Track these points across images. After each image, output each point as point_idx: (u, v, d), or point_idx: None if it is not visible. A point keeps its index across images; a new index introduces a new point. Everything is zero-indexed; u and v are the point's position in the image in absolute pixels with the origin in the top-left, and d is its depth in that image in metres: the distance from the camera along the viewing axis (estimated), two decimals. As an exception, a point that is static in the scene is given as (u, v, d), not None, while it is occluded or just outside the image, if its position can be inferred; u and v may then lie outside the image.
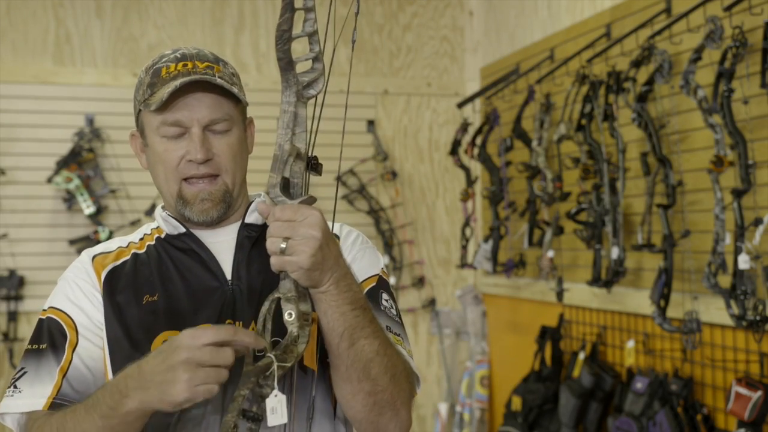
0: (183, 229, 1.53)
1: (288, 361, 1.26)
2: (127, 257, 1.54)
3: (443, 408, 4.23)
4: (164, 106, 1.45)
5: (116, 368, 1.45)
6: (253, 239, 1.54)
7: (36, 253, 3.87)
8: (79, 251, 3.74)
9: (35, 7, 3.97)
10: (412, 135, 4.45)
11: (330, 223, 1.36)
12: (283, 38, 1.25)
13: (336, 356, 1.38)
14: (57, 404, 1.43)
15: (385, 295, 1.55)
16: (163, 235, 1.56)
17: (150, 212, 3.90)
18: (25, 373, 1.47)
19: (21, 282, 3.83)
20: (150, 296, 1.48)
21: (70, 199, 3.85)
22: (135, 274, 1.51)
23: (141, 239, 1.58)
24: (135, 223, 3.89)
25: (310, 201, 1.31)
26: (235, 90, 1.49)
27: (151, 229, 1.59)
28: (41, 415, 1.42)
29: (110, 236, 3.81)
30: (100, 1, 4.05)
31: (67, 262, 4.26)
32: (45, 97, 3.94)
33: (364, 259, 1.57)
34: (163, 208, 1.60)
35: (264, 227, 1.52)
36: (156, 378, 1.25)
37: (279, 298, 1.31)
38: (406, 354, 1.49)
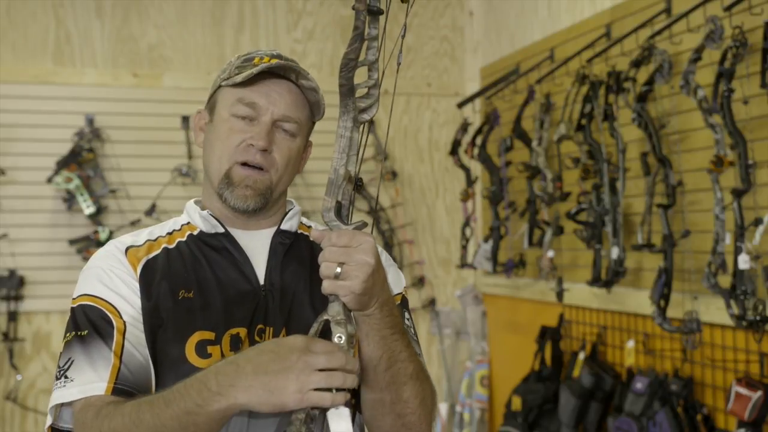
0: (222, 229, 1.54)
1: None
2: (158, 251, 1.53)
3: (443, 408, 4.23)
4: (248, 83, 1.49)
5: (156, 360, 1.43)
6: (286, 246, 1.56)
7: (36, 253, 3.87)
8: (79, 251, 3.81)
9: (35, 7, 3.97)
10: (412, 135, 4.45)
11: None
12: (349, 66, 1.27)
13: (372, 378, 1.41)
14: (119, 389, 1.40)
15: (407, 315, 1.59)
16: (196, 232, 1.56)
17: (150, 212, 3.89)
18: (72, 362, 1.42)
19: (21, 282, 3.83)
20: (186, 292, 1.48)
21: (70, 199, 3.84)
22: (169, 268, 1.51)
23: (170, 234, 1.57)
24: (135, 223, 3.89)
25: (363, 226, 1.34)
26: (319, 97, 1.53)
27: (182, 225, 1.58)
28: (105, 404, 1.37)
29: (110, 236, 3.81)
30: (100, 1, 4.05)
31: (67, 262, 4.26)
32: (45, 97, 3.94)
33: (388, 278, 1.57)
34: (197, 203, 1.60)
35: (296, 235, 1.58)
36: (264, 378, 1.23)
37: (327, 320, 1.32)
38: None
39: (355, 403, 1.49)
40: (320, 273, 1.31)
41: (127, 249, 1.52)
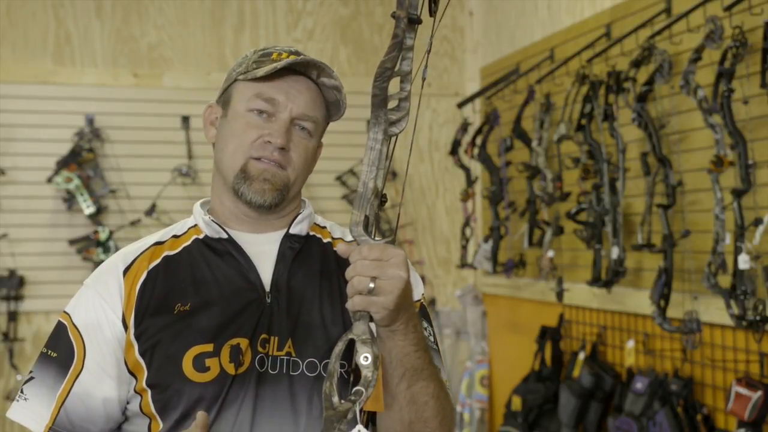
0: (225, 235, 1.48)
1: (357, 404, 1.24)
2: (158, 260, 1.48)
3: (443, 408, 4.22)
4: (267, 78, 1.44)
5: (154, 381, 1.39)
6: (295, 251, 1.50)
7: (36, 253, 3.87)
8: (79, 251, 3.81)
9: (35, 7, 3.97)
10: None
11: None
12: (384, 75, 1.23)
13: (392, 396, 1.35)
14: None
15: (425, 323, 1.52)
16: (201, 236, 1.50)
17: (150, 212, 3.89)
18: (33, 379, 1.44)
19: (21, 282, 3.83)
20: (182, 305, 1.43)
21: (70, 199, 3.84)
22: (166, 280, 1.46)
23: (176, 237, 1.51)
24: (135, 223, 3.88)
25: (392, 241, 1.30)
26: (341, 96, 1.49)
27: (188, 228, 1.53)
28: None
29: (110, 236, 3.81)
30: (100, 1, 4.05)
31: (67, 262, 4.26)
32: (45, 97, 3.94)
33: None
34: (203, 205, 1.55)
35: (307, 238, 1.52)
36: None
37: (352, 339, 1.27)
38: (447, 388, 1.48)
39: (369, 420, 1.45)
40: (350, 288, 1.26)
41: (126, 272, 1.47)
